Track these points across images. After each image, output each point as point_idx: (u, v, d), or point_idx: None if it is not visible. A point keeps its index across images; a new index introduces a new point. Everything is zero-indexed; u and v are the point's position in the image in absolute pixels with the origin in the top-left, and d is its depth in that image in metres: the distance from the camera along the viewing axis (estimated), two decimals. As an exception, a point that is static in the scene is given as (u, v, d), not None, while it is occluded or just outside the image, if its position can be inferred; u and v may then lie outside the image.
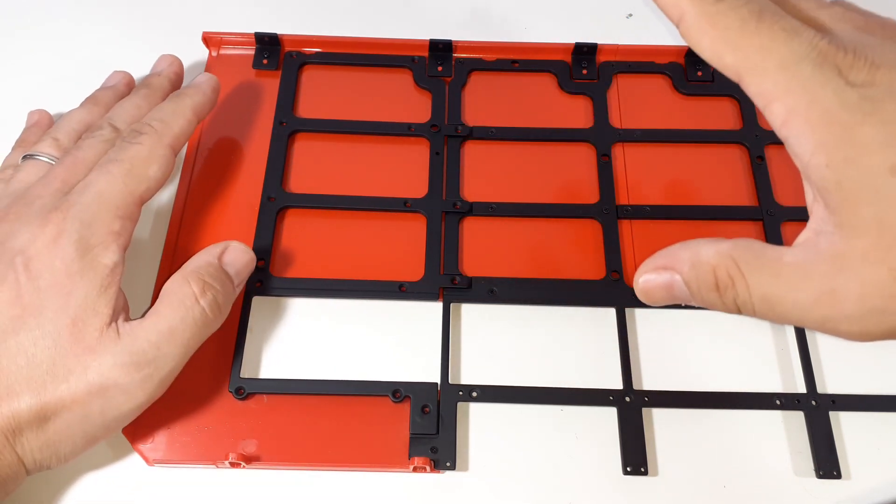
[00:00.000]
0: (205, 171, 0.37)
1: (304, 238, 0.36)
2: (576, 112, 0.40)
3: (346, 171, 0.38)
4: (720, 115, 0.40)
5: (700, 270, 0.23)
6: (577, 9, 0.45)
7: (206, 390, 0.31)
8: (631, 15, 0.44)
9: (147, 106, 0.34)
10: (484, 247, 0.36)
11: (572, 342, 0.33)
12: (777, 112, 0.21)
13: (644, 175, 0.38)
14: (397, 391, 0.31)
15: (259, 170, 0.37)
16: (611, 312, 0.34)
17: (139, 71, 0.38)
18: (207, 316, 0.28)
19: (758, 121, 0.39)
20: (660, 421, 0.32)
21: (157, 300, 0.28)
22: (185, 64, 0.38)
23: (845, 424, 0.32)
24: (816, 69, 0.21)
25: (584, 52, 0.41)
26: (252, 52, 0.41)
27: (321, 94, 0.40)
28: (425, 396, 0.31)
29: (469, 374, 0.33)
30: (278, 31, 0.41)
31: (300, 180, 0.37)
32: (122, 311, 0.28)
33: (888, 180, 0.20)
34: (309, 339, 0.33)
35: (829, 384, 0.32)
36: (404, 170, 0.38)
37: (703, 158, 0.38)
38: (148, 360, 0.27)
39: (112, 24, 0.43)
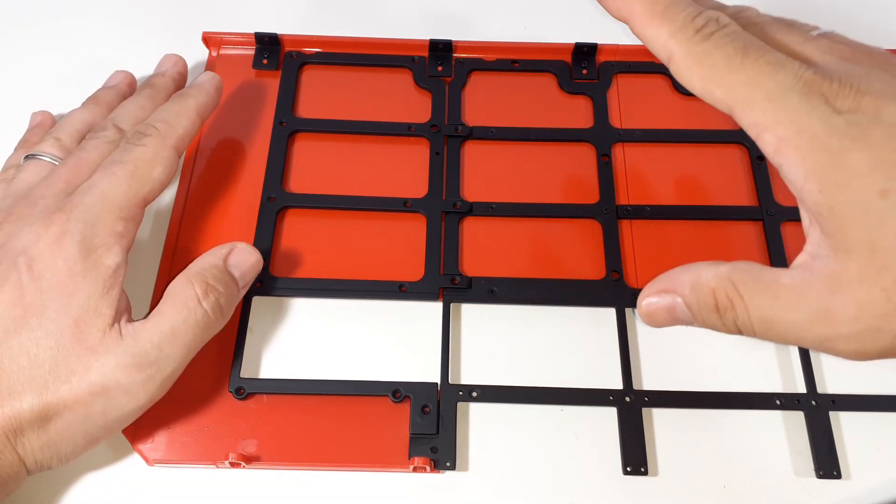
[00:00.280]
0: (205, 171, 0.37)
1: (304, 238, 0.36)
2: (576, 112, 0.40)
3: (346, 171, 0.38)
4: (720, 115, 0.39)
5: (700, 293, 0.24)
6: (577, 9, 0.45)
7: (206, 390, 0.31)
8: (631, 15, 0.44)
9: (151, 106, 0.34)
10: (484, 247, 0.36)
11: (572, 342, 0.33)
12: (768, 141, 0.22)
13: (644, 175, 0.38)
14: (397, 391, 0.31)
15: (259, 170, 0.37)
16: (611, 312, 0.34)
17: (140, 71, 0.38)
18: (210, 318, 0.28)
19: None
20: (660, 421, 0.32)
21: (161, 301, 0.28)
22: (186, 64, 0.38)
23: (845, 424, 0.32)
24: (803, 99, 0.21)
25: (584, 52, 0.41)
26: (252, 52, 0.41)
27: (321, 94, 0.40)
28: (425, 396, 0.31)
29: (469, 374, 0.33)
30: (278, 31, 0.41)
31: (300, 180, 0.37)
32: (125, 312, 0.28)
33: (878, 203, 0.21)
34: (309, 339, 0.33)
35: (829, 384, 0.32)
36: (404, 170, 0.38)
37: (703, 158, 0.38)
38: (150, 360, 0.27)
39: (112, 23, 0.43)
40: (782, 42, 0.24)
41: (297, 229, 0.36)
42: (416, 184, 0.37)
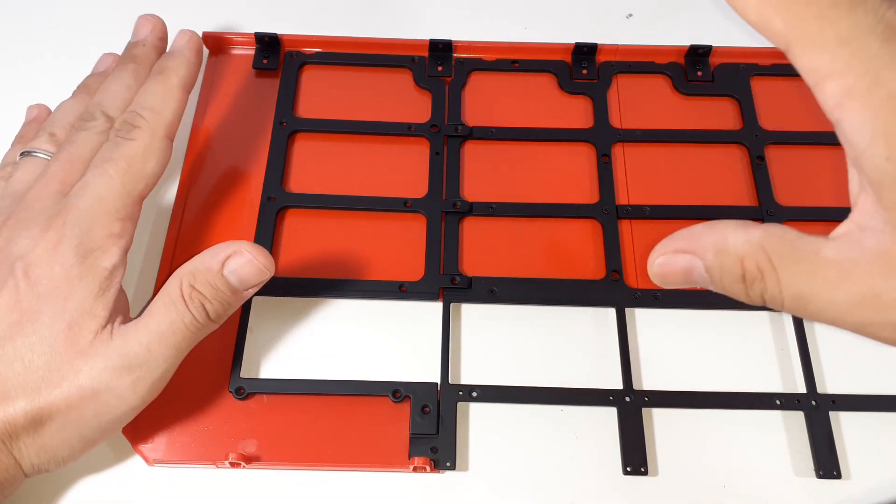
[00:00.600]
0: (205, 171, 0.37)
1: (304, 238, 0.36)
2: (576, 112, 0.40)
3: (346, 171, 0.38)
4: (720, 115, 0.40)
5: (726, 259, 0.21)
6: (577, 9, 0.45)
7: (206, 390, 0.31)
8: (631, 15, 0.44)
9: (136, 84, 0.33)
10: (484, 247, 0.36)
11: (572, 342, 0.33)
12: (831, 92, 0.19)
13: (644, 175, 0.38)
14: (397, 391, 0.31)
15: (259, 170, 0.37)
16: (611, 312, 0.34)
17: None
18: (197, 321, 0.27)
19: (758, 121, 0.39)
20: (660, 421, 0.32)
21: (153, 300, 0.28)
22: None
23: (845, 424, 0.32)
24: (884, 45, 0.18)
25: (584, 52, 0.41)
26: (252, 52, 0.41)
27: (321, 94, 0.40)
28: (425, 396, 0.31)
29: (469, 374, 0.33)
30: (278, 31, 0.41)
31: (300, 180, 0.37)
32: (121, 312, 0.28)
33: None
34: (309, 339, 0.33)
35: (829, 384, 0.32)
36: (404, 170, 0.38)
37: (703, 158, 0.38)
38: (139, 362, 0.27)
39: (112, 23, 0.43)
40: None
41: (297, 229, 0.36)
42: (416, 184, 0.37)
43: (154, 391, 0.28)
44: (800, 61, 0.19)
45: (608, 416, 0.31)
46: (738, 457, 0.31)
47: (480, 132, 0.39)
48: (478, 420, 0.32)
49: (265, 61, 0.41)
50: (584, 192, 0.37)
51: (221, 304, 0.28)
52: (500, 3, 0.45)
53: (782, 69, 0.41)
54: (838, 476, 0.30)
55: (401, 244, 0.35)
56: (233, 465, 0.30)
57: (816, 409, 0.31)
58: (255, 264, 0.28)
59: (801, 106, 0.40)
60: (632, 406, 0.31)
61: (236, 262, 0.28)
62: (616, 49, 0.41)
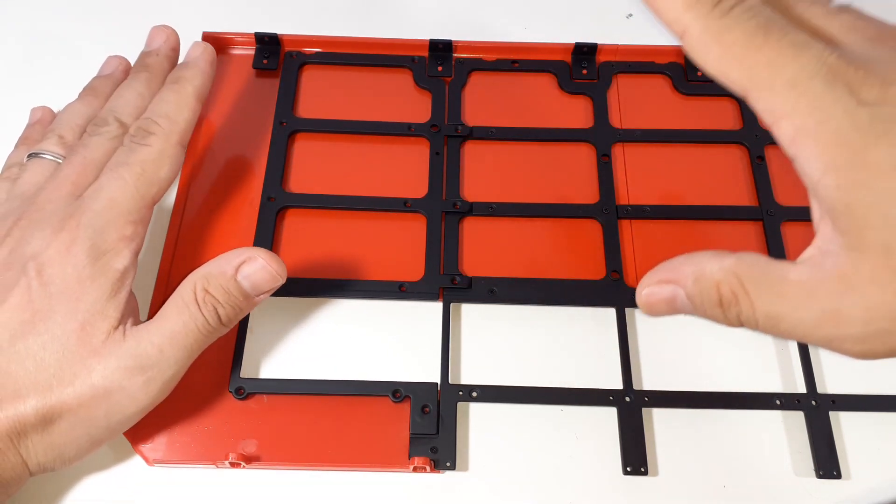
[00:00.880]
0: (205, 171, 0.37)
1: (304, 238, 0.36)
2: (576, 112, 0.40)
3: (346, 171, 0.38)
4: (720, 115, 0.40)
5: (703, 286, 0.23)
6: (577, 9, 0.45)
7: (207, 390, 0.31)
8: (631, 15, 0.44)
9: (149, 93, 0.33)
10: (484, 247, 0.36)
11: (572, 342, 0.33)
12: (785, 130, 0.21)
13: (644, 175, 0.38)
14: (397, 391, 0.31)
15: (259, 170, 0.37)
16: (611, 312, 0.34)
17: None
18: (209, 325, 0.28)
19: (758, 121, 0.39)
20: (660, 421, 0.32)
21: (167, 301, 0.28)
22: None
23: (845, 424, 0.32)
24: (826, 87, 0.20)
25: (584, 52, 0.41)
26: (252, 52, 0.41)
27: (321, 94, 0.40)
28: (425, 396, 0.31)
29: (469, 374, 0.33)
30: (278, 31, 0.41)
31: (300, 180, 0.37)
32: (132, 314, 0.28)
33: None
34: (309, 339, 0.33)
35: (829, 384, 0.32)
36: (404, 170, 0.38)
37: (703, 158, 0.38)
38: (151, 363, 0.27)
39: (112, 23, 0.43)
40: (803, 16, 0.22)
41: (297, 229, 0.36)
42: (416, 184, 0.37)
43: (164, 393, 0.28)
44: (756, 105, 0.21)
45: (608, 416, 0.31)
46: (738, 457, 0.31)
47: (480, 132, 0.39)
48: (478, 420, 0.32)
49: (265, 61, 0.41)
50: (585, 192, 0.37)
51: (233, 308, 0.29)
52: (500, 3, 0.45)
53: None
54: (838, 476, 0.30)
55: (401, 244, 0.35)
56: (233, 465, 0.30)
57: (816, 409, 0.31)
58: (268, 270, 0.28)
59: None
60: (632, 406, 0.31)
61: (250, 267, 0.28)
62: (616, 49, 0.41)
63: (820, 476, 0.30)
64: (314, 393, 0.31)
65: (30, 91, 0.39)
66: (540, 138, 0.39)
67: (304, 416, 0.31)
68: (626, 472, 0.30)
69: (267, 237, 0.35)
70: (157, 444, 0.30)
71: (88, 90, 0.35)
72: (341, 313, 0.34)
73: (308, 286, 0.34)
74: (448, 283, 0.34)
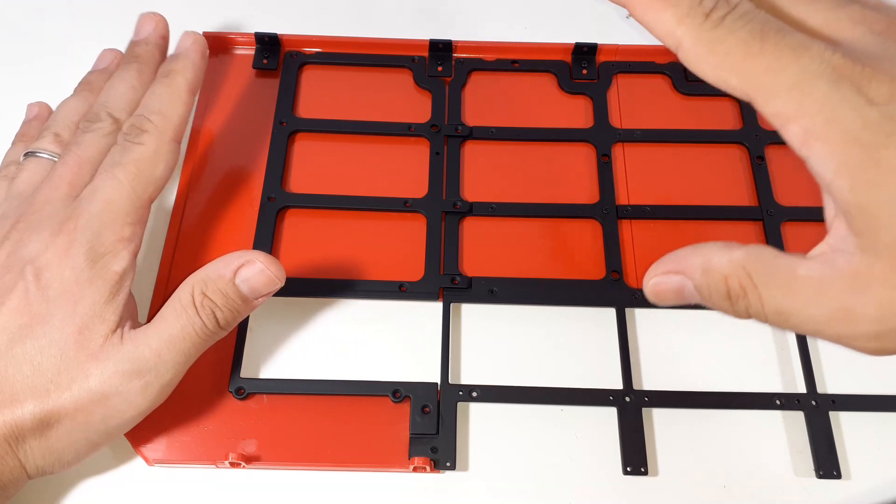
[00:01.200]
0: (205, 171, 0.37)
1: (304, 238, 0.36)
2: (576, 112, 0.40)
3: (346, 171, 0.38)
4: (720, 115, 0.40)
5: (711, 278, 0.23)
6: (577, 9, 0.45)
7: (206, 390, 0.31)
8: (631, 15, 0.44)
9: (140, 85, 0.33)
10: (484, 247, 0.36)
11: (572, 342, 0.33)
12: (795, 133, 0.20)
13: (644, 175, 0.38)
14: (397, 391, 0.31)
15: (259, 170, 0.37)
16: (611, 312, 0.34)
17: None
18: (207, 328, 0.28)
19: (758, 121, 0.39)
20: (660, 421, 0.32)
21: (165, 304, 0.28)
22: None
23: (845, 424, 0.32)
24: (832, 87, 0.20)
25: (584, 52, 0.41)
26: (252, 52, 0.41)
27: (321, 94, 0.40)
28: (425, 396, 0.31)
29: (469, 374, 0.33)
30: (278, 31, 0.41)
31: (300, 180, 0.37)
32: (130, 317, 0.28)
33: None
34: (309, 339, 0.33)
35: (829, 384, 0.32)
36: (404, 170, 0.38)
37: (703, 158, 0.38)
38: (149, 367, 0.27)
39: (112, 23, 0.43)
40: (803, 16, 0.22)
41: (297, 229, 0.36)
42: (416, 184, 0.37)
43: (161, 396, 0.28)
44: (763, 110, 0.21)
45: (608, 416, 0.31)
46: (738, 457, 0.31)
47: (480, 132, 0.39)
48: (478, 420, 0.32)
49: (265, 61, 0.41)
50: (584, 192, 0.37)
51: (231, 311, 0.28)
52: (500, 3, 0.45)
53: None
54: (838, 476, 0.30)
55: (401, 244, 0.35)
56: (233, 465, 0.30)
57: (816, 409, 0.31)
58: (266, 274, 0.28)
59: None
60: (632, 406, 0.31)
61: (248, 271, 0.28)
62: (616, 49, 0.41)
63: (820, 476, 0.30)
64: (314, 393, 0.31)
65: (26, 87, 0.39)
66: (540, 138, 0.39)
67: (304, 416, 0.31)
68: (626, 472, 0.30)
69: (267, 237, 0.35)
70: (157, 445, 0.30)
71: (84, 85, 0.35)
72: (341, 313, 0.34)
73: (308, 286, 0.34)
74: (448, 284, 0.34)
